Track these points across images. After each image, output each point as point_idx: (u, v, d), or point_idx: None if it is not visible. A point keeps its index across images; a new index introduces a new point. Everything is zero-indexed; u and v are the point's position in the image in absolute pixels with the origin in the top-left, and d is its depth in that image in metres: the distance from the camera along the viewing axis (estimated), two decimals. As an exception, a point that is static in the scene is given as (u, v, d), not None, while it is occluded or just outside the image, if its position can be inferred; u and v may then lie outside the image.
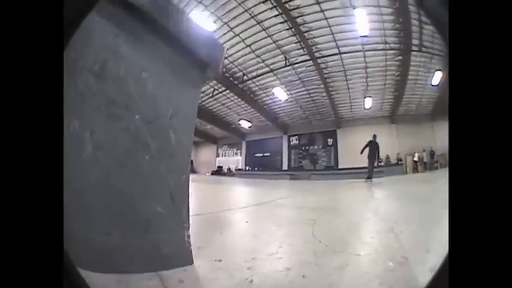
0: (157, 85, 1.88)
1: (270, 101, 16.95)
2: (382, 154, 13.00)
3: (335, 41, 11.60)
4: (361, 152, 11.27)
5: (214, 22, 11.22)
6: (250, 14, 10.80)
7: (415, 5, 8.03)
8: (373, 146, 11.19)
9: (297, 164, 19.50)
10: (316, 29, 11.15)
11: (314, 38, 11.60)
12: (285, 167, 19.78)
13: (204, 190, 6.73)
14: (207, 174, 20.61)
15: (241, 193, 7.00)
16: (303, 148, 19.55)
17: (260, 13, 10.74)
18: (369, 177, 10.54)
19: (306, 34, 11.44)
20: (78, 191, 1.54)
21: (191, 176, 1.95)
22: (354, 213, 3.60)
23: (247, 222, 3.05)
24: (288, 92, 15.79)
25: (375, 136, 11.45)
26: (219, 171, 21.26)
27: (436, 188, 5.65)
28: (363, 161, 11.49)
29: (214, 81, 15.33)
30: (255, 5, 10.37)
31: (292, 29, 11.26)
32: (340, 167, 17.06)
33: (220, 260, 1.70)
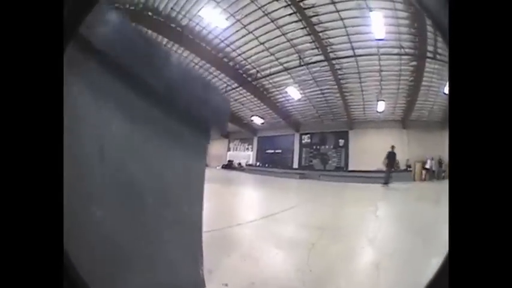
0: (159, 160, 1.79)
1: (283, 98, 16.88)
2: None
3: (350, 42, 11.44)
4: (383, 163, 12.26)
5: (226, 19, 11.20)
6: (263, 12, 10.67)
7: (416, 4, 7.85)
8: (391, 156, 12.21)
9: (307, 162, 19.40)
10: (331, 29, 10.99)
11: (329, 38, 11.46)
12: (295, 165, 19.67)
13: (208, 194, 6.40)
14: (217, 168, 20.73)
15: (247, 200, 6.89)
16: (314, 147, 19.42)
17: (274, 11, 10.60)
18: (386, 183, 11.39)
19: (321, 34, 11.28)
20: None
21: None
22: (353, 236, 3.57)
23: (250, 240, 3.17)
24: (302, 91, 15.69)
25: (393, 147, 12.33)
26: (229, 166, 21.34)
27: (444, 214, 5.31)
28: (372, 164, 11.66)
29: (227, 78, 15.60)
30: (268, 2, 10.26)
31: (307, 29, 11.11)
32: (350, 168, 16.91)
33: (226, 285, 1.87)
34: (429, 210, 5.66)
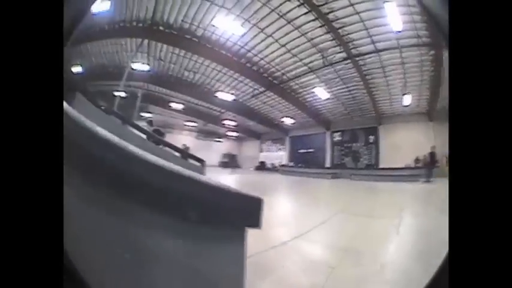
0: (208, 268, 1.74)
1: (312, 98, 16.63)
2: (420, 154, 14.00)
3: (370, 36, 11.07)
4: (419, 162, 13.37)
5: (242, 25, 11.14)
6: (278, 14, 10.54)
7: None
8: (431, 156, 13.06)
9: (339, 161, 18.97)
10: (349, 25, 10.65)
11: (349, 34, 11.12)
12: (327, 163, 19.32)
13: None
14: (250, 169, 20.90)
15: (277, 212, 6.78)
16: (346, 145, 18.97)
17: (288, 12, 10.44)
18: (427, 181, 12.01)
19: (340, 31, 10.96)
20: None
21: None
22: (372, 260, 3.43)
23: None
24: (329, 90, 15.37)
25: (433, 147, 13.16)
26: (262, 167, 21.40)
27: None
28: (402, 161, 11.32)
29: (253, 82, 15.64)
30: (280, 4, 10.12)
31: (325, 26, 10.84)
32: (381, 165, 16.41)
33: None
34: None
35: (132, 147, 1.58)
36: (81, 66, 12.60)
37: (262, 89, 15.78)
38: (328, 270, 2.80)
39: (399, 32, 10.36)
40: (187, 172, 1.72)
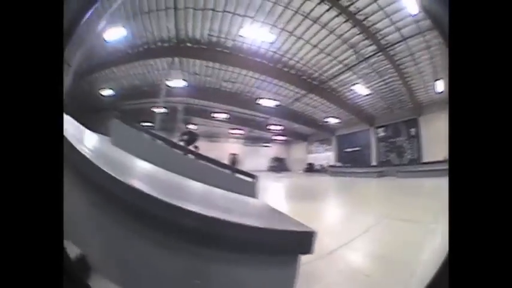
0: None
1: (352, 95, 16.15)
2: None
3: (393, 23, 10.67)
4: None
5: (270, 32, 11.26)
6: (302, 15, 10.57)
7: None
8: None
9: (384, 157, 17.86)
10: (372, 15, 10.40)
11: (374, 24, 10.82)
12: (373, 161, 18.23)
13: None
14: (299, 172, 20.64)
15: (323, 221, 6.96)
16: (389, 140, 17.87)
17: (311, 11, 10.43)
18: None
19: (365, 22, 10.74)
20: None
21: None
22: (403, 267, 3.48)
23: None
24: (367, 85, 14.94)
25: None
26: (310, 169, 20.99)
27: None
28: (442, 153, 10.43)
29: (293, 86, 15.53)
30: (301, 4, 10.17)
31: (350, 21, 10.68)
32: (424, 160, 15.11)
33: None
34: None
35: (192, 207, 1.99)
36: (111, 89, 12.82)
37: (304, 92, 15.73)
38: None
39: (415, 15, 9.94)
40: (252, 221, 2.04)
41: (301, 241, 2.21)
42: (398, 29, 10.92)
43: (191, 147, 10.81)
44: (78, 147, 2.51)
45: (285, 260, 2.16)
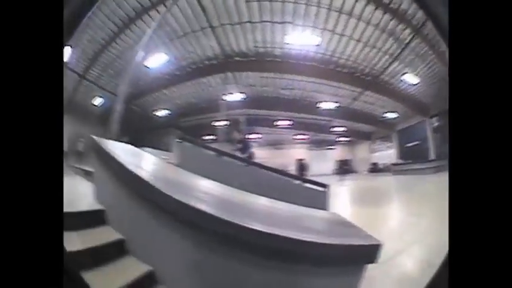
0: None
1: (404, 86, 15.79)
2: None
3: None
4: None
5: (313, 34, 11.85)
6: (337, 11, 11.12)
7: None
8: None
9: (441, 150, 16.35)
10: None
11: (400, 5, 10.97)
12: (432, 155, 16.94)
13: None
14: (364, 173, 20.12)
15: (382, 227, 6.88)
16: (444, 130, 16.22)
17: (342, 5, 10.90)
18: None
19: (392, 5, 10.97)
20: None
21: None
22: None
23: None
24: (415, 73, 14.62)
25: None
26: (374, 169, 20.32)
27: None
28: None
29: (349, 85, 15.67)
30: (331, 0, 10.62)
31: (380, 8, 11.03)
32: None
33: None
34: None
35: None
36: (167, 110, 13.62)
37: (360, 89, 15.86)
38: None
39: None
40: (326, 239, 2.28)
41: (369, 253, 2.43)
42: (426, 6, 10.58)
43: (247, 154, 11.26)
44: (145, 175, 3.08)
45: (353, 269, 2.46)
